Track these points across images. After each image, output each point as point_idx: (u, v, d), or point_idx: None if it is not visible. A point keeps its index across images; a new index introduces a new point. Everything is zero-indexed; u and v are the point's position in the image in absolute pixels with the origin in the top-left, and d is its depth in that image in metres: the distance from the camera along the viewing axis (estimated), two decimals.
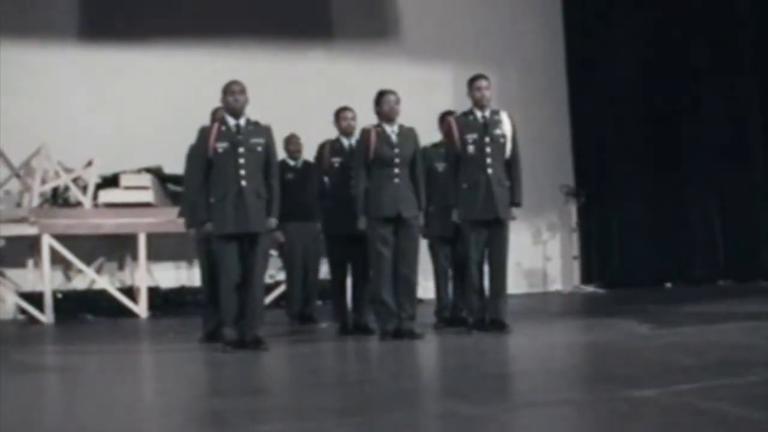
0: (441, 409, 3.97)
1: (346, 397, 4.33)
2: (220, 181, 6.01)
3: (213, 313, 6.43)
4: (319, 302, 8.56)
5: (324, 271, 8.15)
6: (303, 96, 9.95)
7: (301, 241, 8.00)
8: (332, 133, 7.02)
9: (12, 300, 9.31)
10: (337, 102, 7.14)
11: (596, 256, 11.91)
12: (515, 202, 6.66)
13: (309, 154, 7.66)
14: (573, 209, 11.79)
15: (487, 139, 6.55)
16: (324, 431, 3.49)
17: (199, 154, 6.14)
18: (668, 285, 11.55)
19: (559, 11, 12.13)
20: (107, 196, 9.31)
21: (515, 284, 9.59)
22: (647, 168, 11.90)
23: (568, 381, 4.66)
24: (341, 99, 7.17)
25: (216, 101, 6.24)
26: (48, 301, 8.89)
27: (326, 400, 4.25)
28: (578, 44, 12.03)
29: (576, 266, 11.81)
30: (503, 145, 6.62)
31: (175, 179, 9.26)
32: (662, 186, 11.87)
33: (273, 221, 6.17)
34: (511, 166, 6.65)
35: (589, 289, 11.56)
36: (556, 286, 11.91)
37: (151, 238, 9.28)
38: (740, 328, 6.47)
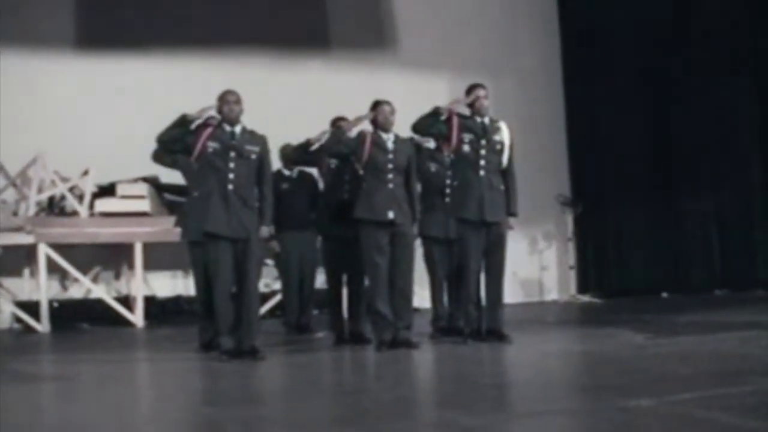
0: (438, 419, 3.97)
1: (342, 406, 4.32)
2: (206, 179, 6.02)
3: (209, 323, 6.41)
4: (315, 312, 8.54)
5: (320, 280, 8.15)
6: (300, 106, 9.93)
7: (297, 251, 7.99)
8: None
9: (8, 309, 9.27)
10: (334, 112, 7.16)
11: (592, 265, 11.90)
12: (511, 212, 6.68)
13: None
14: (569, 219, 11.77)
15: (483, 142, 6.59)
16: None
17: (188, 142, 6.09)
18: (665, 294, 11.54)
19: (555, 20, 12.14)
20: (104, 205, 9.28)
21: (511, 294, 9.58)
22: (643, 177, 11.92)
23: (565, 391, 4.66)
24: (339, 109, 7.18)
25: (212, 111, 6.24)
26: (44, 310, 8.86)
27: (323, 409, 4.25)
28: (575, 53, 12.03)
29: (572, 276, 11.79)
30: (500, 152, 6.66)
31: (171, 189, 9.28)
32: (659, 195, 11.89)
33: (266, 230, 6.17)
34: (506, 176, 6.69)
35: (586, 298, 11.54)
36: (552, 295, 11.89)
37: (147, 247, 9.26)
38: (737, 338, 6.48)
